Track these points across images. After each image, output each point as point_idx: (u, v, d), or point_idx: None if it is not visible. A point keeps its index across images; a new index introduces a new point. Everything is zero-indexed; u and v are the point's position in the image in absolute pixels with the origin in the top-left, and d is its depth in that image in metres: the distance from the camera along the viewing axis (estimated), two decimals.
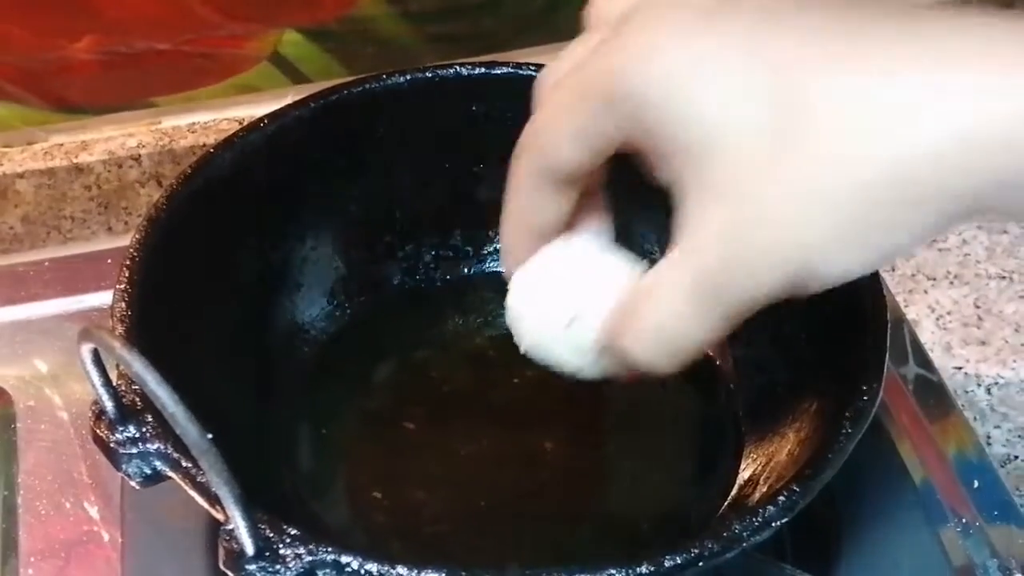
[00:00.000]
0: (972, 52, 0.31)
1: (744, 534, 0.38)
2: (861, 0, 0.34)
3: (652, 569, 0.37)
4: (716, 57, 0.33)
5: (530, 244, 0.41)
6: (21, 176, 0.67)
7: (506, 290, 0.42)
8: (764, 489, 0.45)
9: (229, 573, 0.37)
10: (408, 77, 0.55)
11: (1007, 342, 0.62)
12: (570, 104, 0.36)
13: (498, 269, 0.58)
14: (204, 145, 0.67)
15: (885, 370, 0.44)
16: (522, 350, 0.42)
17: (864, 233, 0.33)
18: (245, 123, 0.54)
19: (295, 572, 0.36)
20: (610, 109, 0.35)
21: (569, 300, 0.40)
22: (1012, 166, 0.31)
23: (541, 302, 0.41)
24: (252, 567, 0.36)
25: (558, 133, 0.37)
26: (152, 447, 0.40)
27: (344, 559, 0.37)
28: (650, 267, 0.37)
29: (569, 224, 0.41)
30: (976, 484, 0.54)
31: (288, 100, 0.54)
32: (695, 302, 0.35)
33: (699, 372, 0.54)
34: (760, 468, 0.49)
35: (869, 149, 0.32)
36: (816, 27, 0.33)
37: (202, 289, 0.49)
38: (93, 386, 0.39)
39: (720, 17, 0.34)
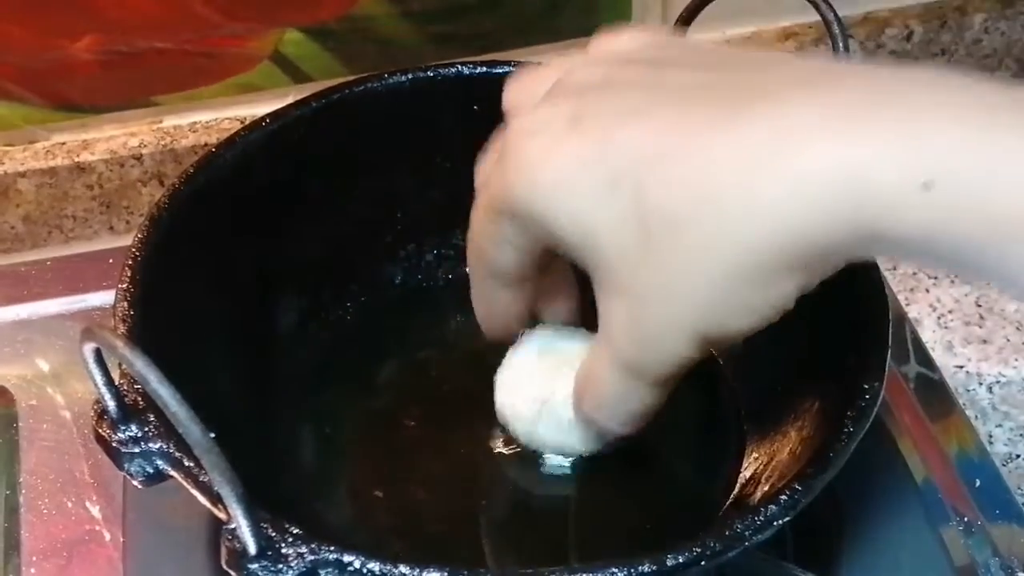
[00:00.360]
0: (811, 107, 0.33)
1: (746, 533, 0.38)
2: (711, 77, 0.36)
3: (654, 568, 0.37)
4: (574, 171, 0.36)
5: (502, 329, 0.46)
6: (23, 175, 0.67)
7: None
8: (766, 488, 0.45)
9: (231, 572, 0.37)
10: (409, 76, 0.55)
11: (1009, 341, 0.62)
12: (484, 217, 0.40)
13: None
14: (206, 144, 0.68)
15: (886, 369, 0.44)
16: (522, 443, 0.48)
17: (745, 301, 0.35)
18: (246, 122, 0.54)
19: (297, 571, 0.36)
20: (515, 222, 0.39)
21: (537, 389, 0.46)
22: (865, 217, 0.32)
23: (517, 397, 0.47)
24: (254, 566, 0.36)
25: (486, 243, 0.41)
26: (154, 446, 0.40)
27: (346, 558, 0.37)
28: None
29: (540, 300, 0.46)
30: (978, 483, 0.54)
31: (289, 99, 0.54)
32: (623, 380, 0.39)
33: (701, 372, 0.54)
34: (762, 467, 0.49)
35: (722, 232, 0.34)
36: (651, 123, 0.35)
37: (204, 288, 0.50)
38: (95, 385, 0.39)
39: (574, 133, 0.36)
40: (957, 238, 0.31)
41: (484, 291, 0.44)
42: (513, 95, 0.43)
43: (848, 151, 0.32)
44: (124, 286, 0.45)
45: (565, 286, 0.47)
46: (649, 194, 0.34)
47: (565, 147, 0.37)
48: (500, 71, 0.55)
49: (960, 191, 0.30)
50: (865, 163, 0.31)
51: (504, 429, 0.48)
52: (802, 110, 0.33)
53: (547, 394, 0.46)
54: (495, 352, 0.48)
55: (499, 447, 0.50)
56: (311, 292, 0.56)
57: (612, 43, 0.41)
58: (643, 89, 0.37)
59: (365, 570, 0.37)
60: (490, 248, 0.41)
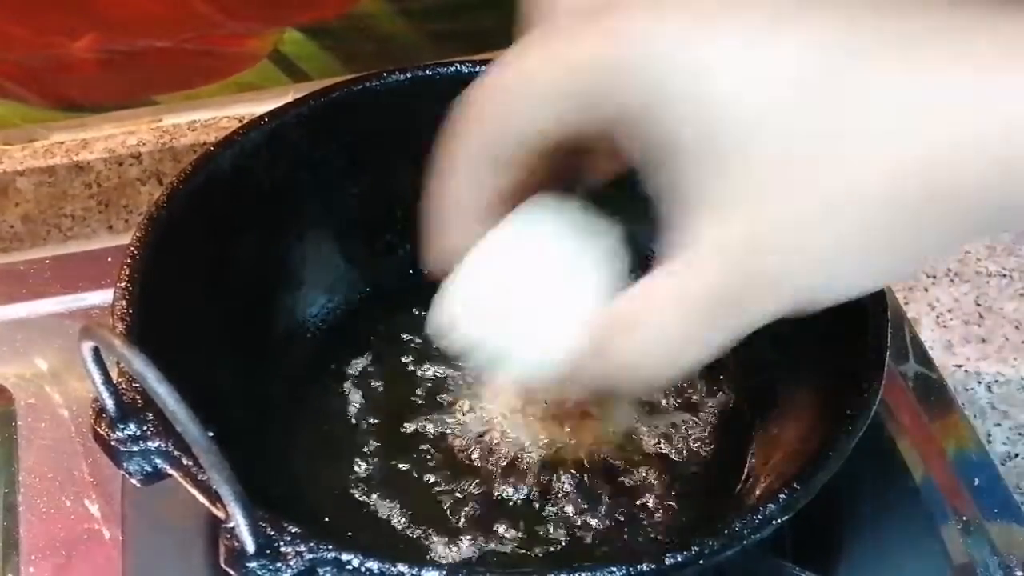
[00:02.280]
0: (1010, 53, 0.28)
1: (745, 532, 0.38)
2: None
3: (653, 567, 0.37)
4: (734, 40, 0.30)
5: (465, 228, 0.36)
6: (21, 174, 0.67)
7: None
8: (764, 487, 0.45)
9: (230, 571, 0.37)
10: (408, 75, 0.55)
11: (1007, 340, 0.62)
12: (545, 68, 0.32)
13: None
14: (205, 143, 0.67)
15: (885, 368, 0.44)
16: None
17: (892, 242, 0.30)
18: (246, 121, 0.54)
19: (296, 570, 0.36)
20: (597, 80, 0.31)
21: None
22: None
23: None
24: (253, 565, 0.36)
25: (527, 93, 0.32)
26: (153, 445, 0.40)
27: (345, 557, 0.37)
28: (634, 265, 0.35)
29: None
30: (976, 482, 0.54)
31: (289, 98, 0.54)
32: (689, 323, 0.32)
33: (700, 372, 0.54)
34: (760, 466, 0.49)
35: (908, 151, 0.29)
36: (850, 15, 0.30)
37: (202, 287, 0.49)
38: (94, 384, 0.39)
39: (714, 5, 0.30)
40: None
41: (467, 171, 0.35)
42: None
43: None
44: (123, 285, 0.45)
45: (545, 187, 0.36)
46: (843, 91, 0.29)
47: (736, 6, 0.30)
48: None
49: None
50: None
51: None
52: (975, 46, 0.29)
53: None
54: None
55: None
56: (310, 291, 0.56)
57: None
58: None
59: (364, 568, 0.37)
60: (524, 100, 0.32)
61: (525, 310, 0.35)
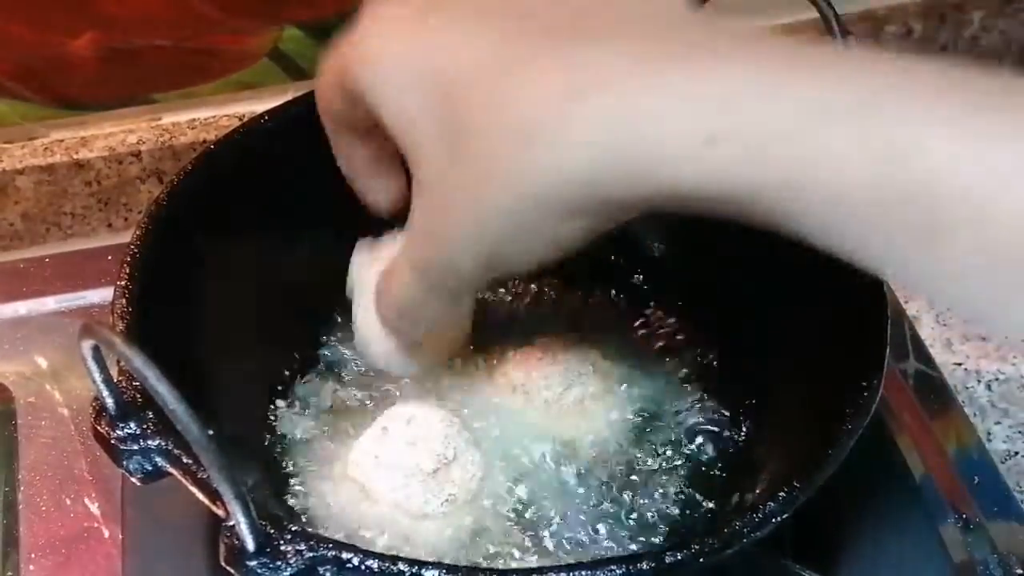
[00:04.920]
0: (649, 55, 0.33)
1: (745, 530, 0.38)
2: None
3: (652, 565, 0.37)
4: (407, 58, 0.37)
5: (372, 186, 0.47)
6: (21, 172, 0.67)
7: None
8: (764, 485, 0.45)
9: (230, 569, 0.37)
10: None
11: (1007, 338, 0.62)
12: (328, 77, 0.41)
13: None
14: (204, 141, 0.67)
15: (885, 367, 0.44)
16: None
17: (532, 233, 0.35)
18: (245, 119, 0.54)
19: (296, 568, 0.36)
20: (349, 89, 0.39)
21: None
22: (648, 167, 0.32)
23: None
24: (253, 563, 0.36)
25: (326, 98, 0.42)
26: (153, 443, 0.40)
27: (345, 555, 0.37)
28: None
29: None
30: (976, 480, 0.54)
31: (288, 96, 0.54)
32: (417, 283, 0.40)
33: (701, 371, 0.54)
34: (760, 464, 0.49)
35: (522, 159, 0.33)
36: (489, 36, 0.35)
37: (202, 285, 0.49)
38: (94, 382, 0.39)
39: (419, 24, 0.37)
40: (737, 189, 0.31)
41: (340, 145, 0.45)
42: None
43: (637, 101, 0.32)
44: (123, 283, 0.45)
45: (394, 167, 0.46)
46: (467, 104, 0.35)
47: (407, 33, 0.37)
48: None
49: (740, 146, 0.31)
50: (653, 114, 0.32)
51: None
52: (611, 58, 0.33)
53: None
54: (498, 348, 0.48)
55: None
56: (310, 289, 0.56)
57: None
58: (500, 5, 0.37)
59: (364, 567, 0.37)
60: (333, 100, 0.42)
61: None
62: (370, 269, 0.48)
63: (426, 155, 0.37)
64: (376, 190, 0.47)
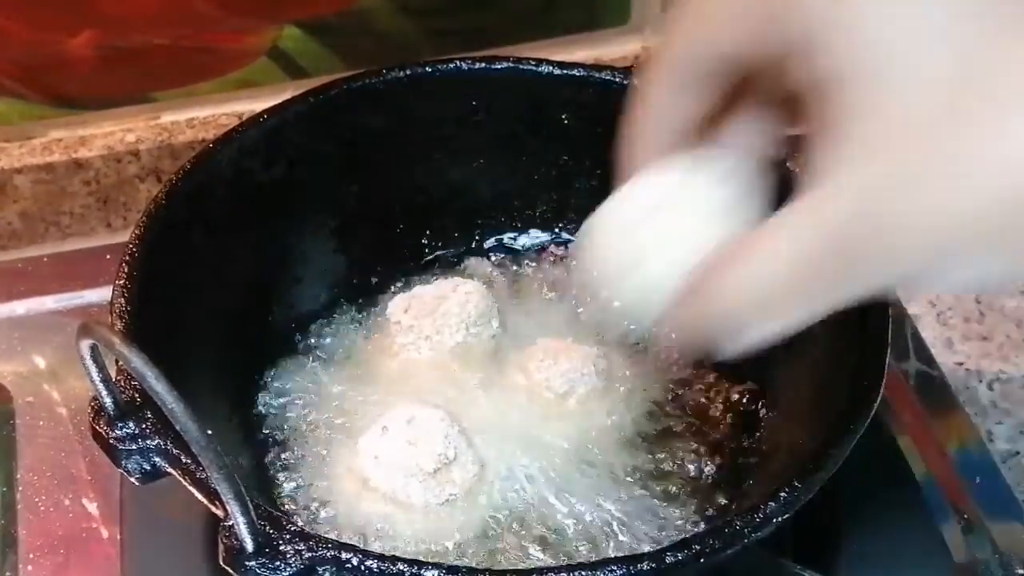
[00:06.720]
0: None
1: (745, 530, 0.38)
2: None
3: (653, 566, 0.37)
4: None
5: (658, 146, 0.36)
6: (19, 171, 0.67)
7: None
8: (765, 486, 0.45)
9: (229, 570, 0.37)
10: (407, 72, 0.55)
11: (1009, 337, 0.62)
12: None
13: (499, 263, 0.58)
14: (203, 140, 0.67)
15: (886, 366, 0.43)
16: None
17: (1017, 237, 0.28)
18: (244, 118, 0.53)
19: (295, 568, 0.36)
20: (768, 9, 0.31)
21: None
22: None
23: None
24: (252, 563, 0.36)
25: (714, 18, 0.33)
26: (151, 443, 0.39)
27: (344, 555, 0.37)
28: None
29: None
30: (978, 480, 0.54)
31: (287, 95, 0.54)
32: (810, 267, 0.30)
33: (700, 371, 0.54)
34: (761, 464, 0.48)
35: None
36: None
37: (201, 284, 0.49)
38: (92, 382, 0.39)
39: None
40: None
41: (668, 87, 0.35)
42: None
43: None
44: (121, 283, 0.45)
45: (747, 122, 0.36)
46: (1010, 59, 0.28)
47: None
48: (498, 67, 0.55)
49: None
50: None
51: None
52: None
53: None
54: (497, 346, 0.47)
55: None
56: (308, 288, 0.56)
57: None
58: None
59: (363, 567, 0.37)
60: (708, 30, 0.33)
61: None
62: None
63: (904, 101, 0.28)
64: (656, 155, 0.36)
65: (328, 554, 0.37)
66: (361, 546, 0.39)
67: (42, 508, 0.53)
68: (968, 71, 0.28)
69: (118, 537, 0.52)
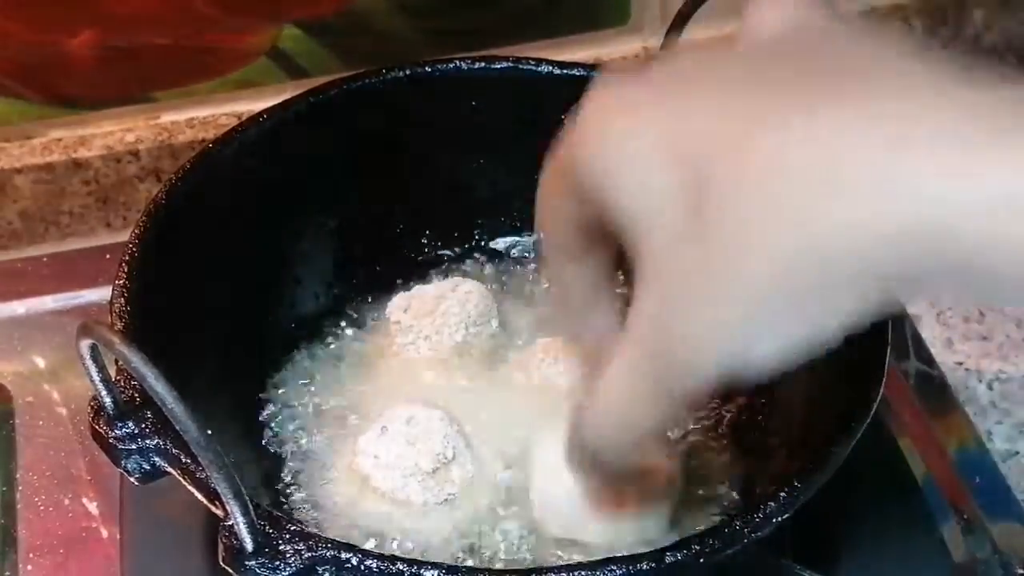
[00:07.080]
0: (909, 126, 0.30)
1: (746, 530, 0.38)
2: (781, 65, 0.33)
3: (653, 565, 0.37)
4: (642, 135, 0.33)
5: (581, 318, 0.41)
6: (19, 171, 0.67)
7: None
8: (765, 485, 0.45)
9: (229, 570, 0.37)
10: (407, 72, 0.55)
11: (1008, 337, 0.62)
12: (548, 180, 0.38)
13: (498, 262, 0.59)
14: (203, 140, 0.67)
15: (886, 366, 0.43)
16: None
17: (801, 304, 0.31)
18: (244, 118, 0.54)
19: (295, 568, 0.36)
20: (574, 184, 0.36)
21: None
22: (948, 255, 0.29)
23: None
24: (252, 563, 0.36)
25: (545, 211, 0.39)
26: (151, 443, 0.40)
27: (344, 555, 0.37)
28: None
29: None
30: (977, 480, 0.54)
31: (287, 95, 0.54)
32: (640, 383, 0.35)
33: None
34: (761, 464, 0.48)
35: (783, 235, 0.31)
36: (728, 103, 0.32)
37: (201, 284, 0.49)
38: (92, 382, 0.39)
39: (652, 104, 0.34)
40: None
41: (554, 268, 0.40)
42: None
43: (958, 160, 0.29)
44: (121, 282, 0.45)
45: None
46: (718, 179, 0.31)
47: (640, 113, 0.34)
48: (498, 67, 0.55)
49: None
50: (971, 176, 0.28)
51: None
52: (918, 111, 0.30)
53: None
54: (497, 346, 0.47)
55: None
56: (308, 288, 0.56)
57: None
58: (741, 73, 0.34)
59: (363, 567, 0.37)
60: (558, 205, 0.38)
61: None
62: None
63: (665, 233, 0.33)
64: (587, 324, 0.41)
65: (328, 554, 0.37)
66: (360, 546, 0.39)
67: (42, 508, 0.53)
68: (688, 198, 0.32)
69: (118, 537, 0.52)
